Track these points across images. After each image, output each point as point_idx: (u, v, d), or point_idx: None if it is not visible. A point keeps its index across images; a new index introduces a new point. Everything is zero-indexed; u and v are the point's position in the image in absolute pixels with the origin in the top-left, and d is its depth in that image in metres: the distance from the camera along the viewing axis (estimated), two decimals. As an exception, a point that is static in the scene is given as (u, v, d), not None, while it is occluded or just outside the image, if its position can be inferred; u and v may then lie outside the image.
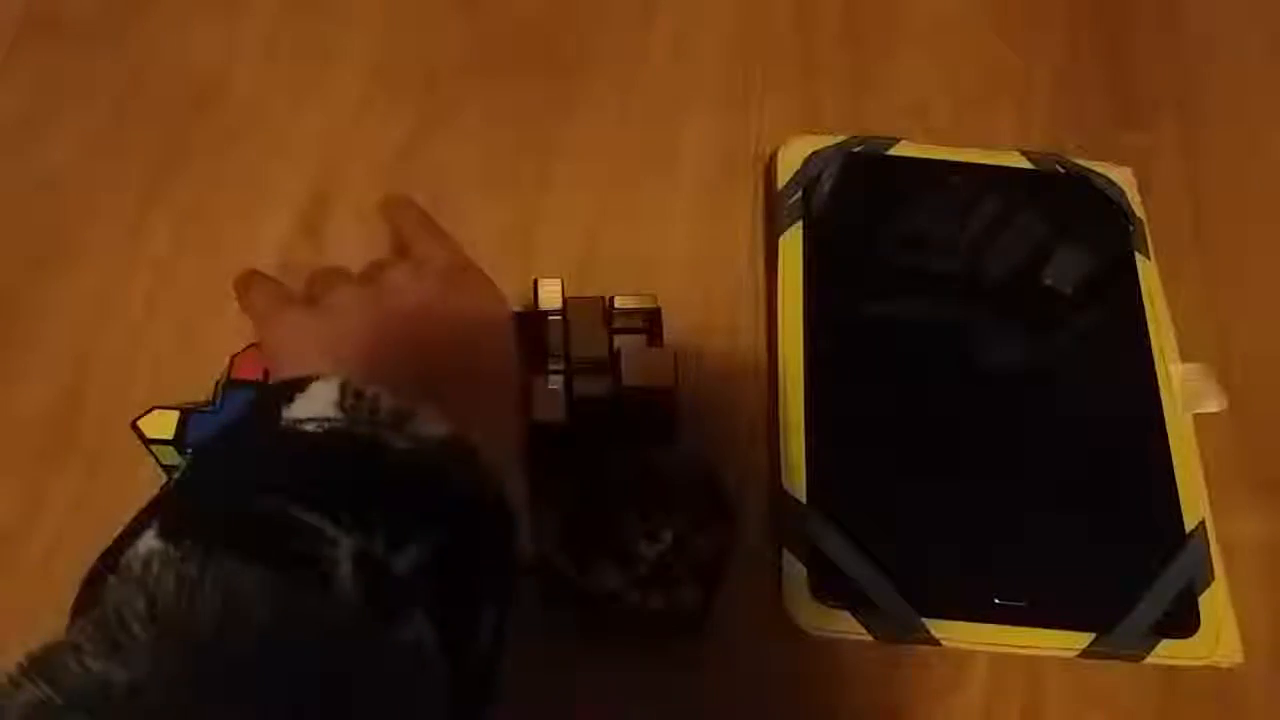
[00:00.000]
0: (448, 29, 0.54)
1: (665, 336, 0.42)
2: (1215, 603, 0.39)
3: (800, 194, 0.48)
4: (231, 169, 0.49)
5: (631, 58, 0.54)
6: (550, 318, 0.41)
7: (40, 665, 0.20)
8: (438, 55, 0.53)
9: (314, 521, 0.24)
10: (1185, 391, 0.44)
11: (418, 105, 0.52)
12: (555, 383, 0.39)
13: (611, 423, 0.40)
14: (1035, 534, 0.41)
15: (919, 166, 0.49)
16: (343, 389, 0.27)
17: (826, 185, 0.48)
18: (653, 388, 0.39)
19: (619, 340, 0.41)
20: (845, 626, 0.38)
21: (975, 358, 0.45)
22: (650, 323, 0.42)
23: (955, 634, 0.39)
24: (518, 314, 0.42)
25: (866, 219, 0.48)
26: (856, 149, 0.49)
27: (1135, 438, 0.43)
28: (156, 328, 0.45)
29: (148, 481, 0.40)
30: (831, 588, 0.39)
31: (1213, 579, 0.40)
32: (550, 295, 0.42)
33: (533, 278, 0.42)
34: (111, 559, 0.24)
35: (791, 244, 0.46)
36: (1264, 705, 0.40)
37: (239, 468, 0.27)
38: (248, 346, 0.42)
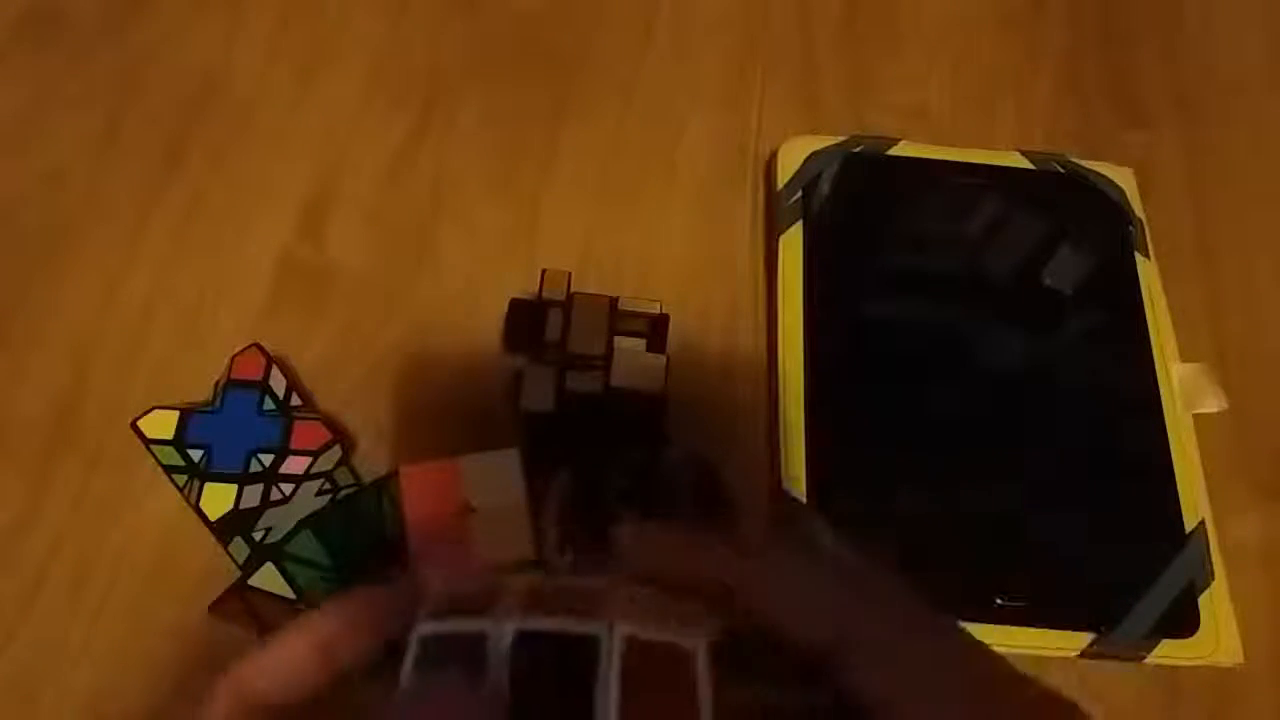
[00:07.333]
0: (448, 29, 0.54)
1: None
2: (1215, 603, 0.39)
3: (800, 194, 0.48)
4: (231, 169, 0.49)
5: (631, 58, 0.54)
6: (551, 308, 0.41)
7: None
8: (438, 55, 0.53)
9: None
10: (1185, 391, 0.44)
11: (418, 105, 0.52)
12: (547, 373, 0.39)
13: (601, 421, 0.40)
14: (1036, 534, 0.41)
15: (919, 166, 0.49)
16: None
17: (826, 185, 0.48)
18: (641, 391, 0.39)
19: (617, 341, 0.41)
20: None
21: (975, 358, 0.45)
22: (653, 328, 0.42)
23: (955, 634, 0.39)
24: (518, 300, 0.42)
25: (866, 219, 0.48)
26: (856, 149, 0.49)
27: (1135, 438, 0.43)
28: (156, 328, 0.45)
29: (148, 481, 0.40)
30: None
31: (1213, 579, 0.40)
32: (555, 286, 0.42)
33: (541, 269, 0.42)
34: None
35: (791, 244, 0.46)
36: (1264, 705, 0.40)
37: None
38: (247, 346, 0.42)
